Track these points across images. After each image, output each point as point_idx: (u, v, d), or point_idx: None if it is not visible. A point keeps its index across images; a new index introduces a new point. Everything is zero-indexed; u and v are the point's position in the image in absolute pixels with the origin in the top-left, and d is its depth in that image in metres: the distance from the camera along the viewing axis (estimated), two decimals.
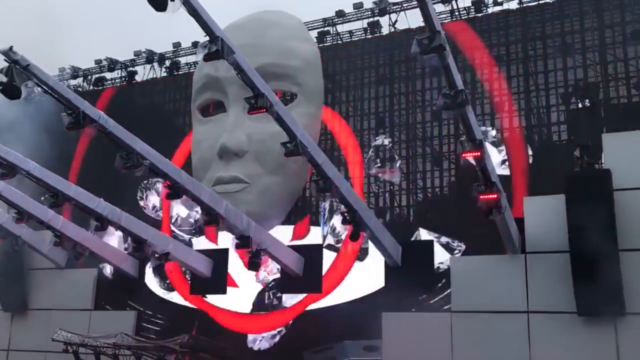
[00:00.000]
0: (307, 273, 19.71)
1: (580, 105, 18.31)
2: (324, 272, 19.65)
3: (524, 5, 19.59)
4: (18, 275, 24.20)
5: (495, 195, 14.64)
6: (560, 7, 19.10)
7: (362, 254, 19.36)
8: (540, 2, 19.37)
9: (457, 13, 20.61)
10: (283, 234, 20.51)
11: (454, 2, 20.48)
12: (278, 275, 20.37)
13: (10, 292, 24.18)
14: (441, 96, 12.61)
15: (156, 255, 18.90)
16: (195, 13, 11.66)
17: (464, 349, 16.81)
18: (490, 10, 20.05)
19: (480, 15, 20.12)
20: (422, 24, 12.82)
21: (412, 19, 20.62)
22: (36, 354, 22.90)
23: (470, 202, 15.35)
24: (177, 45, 25.44)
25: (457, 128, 19.12)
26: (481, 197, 14.70)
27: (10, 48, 12.33)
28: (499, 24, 19.82)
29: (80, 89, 26.78)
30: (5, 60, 12.41)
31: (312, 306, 19.95)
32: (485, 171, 14.48)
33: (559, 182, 16.08)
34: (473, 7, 20.24)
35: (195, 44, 24.03)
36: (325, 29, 22.55)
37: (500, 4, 19.87)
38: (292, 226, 21.14)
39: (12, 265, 24.01)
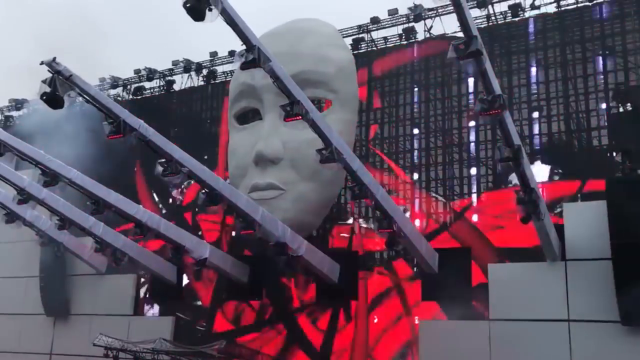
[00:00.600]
0: (342, 279, 19.68)
1: (621, 109, 17.90)
2: None
3: (562, 9, 19.27)
4: (60, 281, 24.78)
5: (534, 202, 14.42)
6: (600, 10, 18.74)
7: None
8: (579, 5, 19.04)
9: (493, 17, 20.40)
10: None
11: (490, 6, 20.27)
12: None
13: (53, 297, 24.73)
14: (478, 101, 12.51)
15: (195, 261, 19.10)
16: (232, 22, 11.81)
17: (502, 357, 16.54)
18: (527, 14, 19.78)
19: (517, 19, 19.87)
20: (458, 30, 12.73)
21: (447, 24, 20.51)
22: (78, 358, 23.40)
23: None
24: (213, 54, 25.78)
25: (494, 133, 18.90)
26: (519, 203, 14.49)
27: (54, 59, 12.66)
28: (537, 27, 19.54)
29: (119, 98, 27.35)
30: (48, 71, 12.74)
31: None
32: (524, 177, 14.28)
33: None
34: (510, 11, 19.99)
35: (231, 53, 24.35)
36: (360, 35, 22.57)
37: (538, 7, 19.61)
38: None
39: (55, 271, 24.60)
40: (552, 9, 19.43)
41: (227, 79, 24.83)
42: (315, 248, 19.33)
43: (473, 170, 19.61)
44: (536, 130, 18.91)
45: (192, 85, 26.44)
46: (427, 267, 18.24)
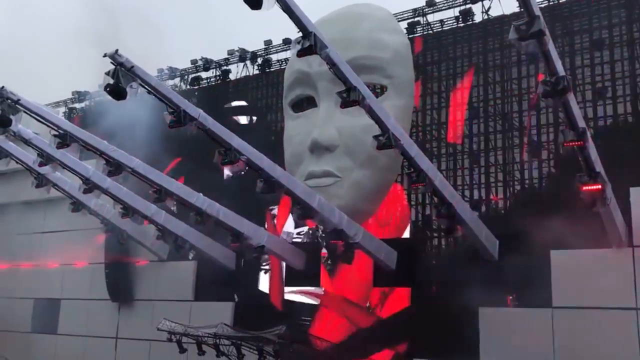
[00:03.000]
0: (400, 266, 19.57)
1: None
2: None
3: None
4: (124, 268, 25.58)
5: (599, 186, 13.96)
6: None
7: None
8: None
9: None
10: None
11: None
12: None
13: (117, 283, 25.59)
14: (541, 83, 12.14)
15: (252, 248, 19.37)
16: (288, 9, 11.82)
17: (566, 346, 16.17)
18: None
19: None
20: (517, 10, 12.36)
21: (506, 5, 19.93)
22: (142, 342, 24.17)
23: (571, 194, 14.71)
24: (268, 42, 25.90)
25: (555, 117, 18.35)
26: (584, 188, 14.05)
27: (116, 51, 13.00)
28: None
29: (176, 89, 27.84)
30: (111, 62, 13.08)
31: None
32: (589, 161, 13.83)
33: None
34: None
35: (285, 41, 24.38)
36: (416, 19, 22.23)
37: None
38: None
39: (119, 258, 25.41)
40: None
41: (282, 67, 24.93)
42: (372, 235, 19.28)
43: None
44: (600, 112, 18.26)
45: (248, 74, 26.68)
46: (487, 254, 17.94)
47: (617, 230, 15.54)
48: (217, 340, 19.79)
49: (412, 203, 21.03)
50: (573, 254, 16.95)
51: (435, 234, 20.41)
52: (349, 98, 13.31)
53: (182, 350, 20.60)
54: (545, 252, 17.21)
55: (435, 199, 16.43)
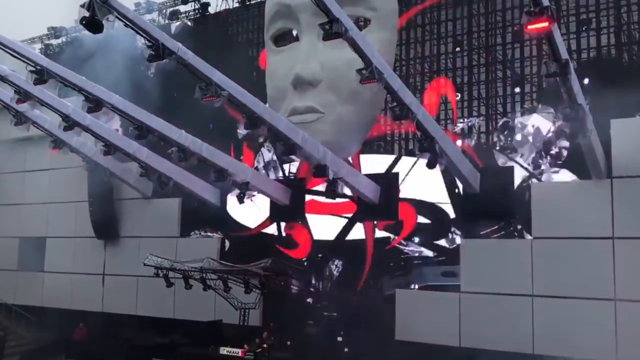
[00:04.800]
0: (383, 200, 19.80)
1: None
2: None
3: None
4: (108, 205, 25.60)
5: (581, 119, 14.05)
6: None
7: None
8: None
9: None
10: None
11: None
12: None
13: (102, 221, 25.63)
14: (525, 14, 11.98)
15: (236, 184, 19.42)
16: None
17: (545, 275, 16.68)
18: None
19: None
20: None
21: None
22: (129, 278, 24.49)
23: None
24: None
25: (539, 50, 18.25)
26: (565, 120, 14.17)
27: None
28: None
29: (154, 23, 27.13)
30: None
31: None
32: (571, 93, 13.85)
33: None
34: None
35: None
36: None
37: None
38: None
39: (103, 196, 25.39)
40: None
41: (263, 0, 24.31)
42: (355, 170, 19.42)
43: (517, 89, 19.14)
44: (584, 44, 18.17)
45: (228, 7, 26.03)
46: (469, 186, 18.20)
47: (597, 161, 15.76)
48: (204, 275, 20.09)
49: (395, 138, 21.10)
50: (553, 186, 17.28)
51: None
52: (332, 30, 13.02)
53: (169, 284, 20.91)
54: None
55: (419, 133, 16.47)
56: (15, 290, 28.20)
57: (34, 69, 16.20)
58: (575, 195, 16.66)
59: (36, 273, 27.87)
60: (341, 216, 21.28)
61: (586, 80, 16.93)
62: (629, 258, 15.59)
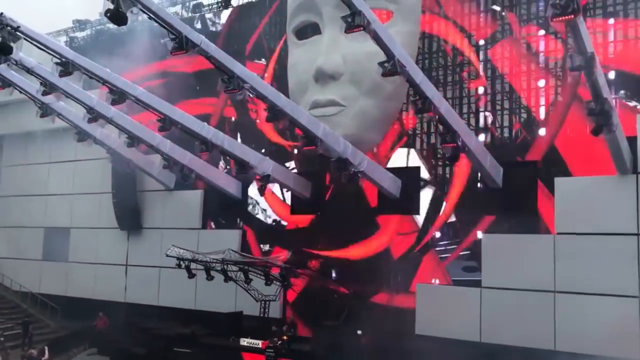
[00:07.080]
0: (404, 195, 19.75)
1: None
2: None
3: None
4: (131, 197, 25.88)
5: (606, 113, 13.83)
6: None
7: None
8: None
9: None
10: None
11: None
12: None
13: (126, 212, 25.94)
14: (550, 6, 11.81)
15: (258, 176, 19.51)
16: None
17: (568, 271, 16.48)
18: None
19: None
20: None
21: None
22: (151, 269, 24.76)
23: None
24: None
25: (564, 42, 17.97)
26: (590, 115, 13.95)
27: None
28: None
29: (178, 16, 27.23)
30: None
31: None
32: (596, 87, 13.65)
33: None
34: None
35: None
36: None
37: None
38: None
39: (126, 187, 25.67)
40: None
41: None
42: (376, 163, 19.36)
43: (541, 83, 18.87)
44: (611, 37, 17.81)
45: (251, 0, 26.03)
46: (492, 181, 18.04)
47: (622, 156, 15.52)
48: (225, 266, 20.22)
49: (417, 131, 20.96)
50: (577, 181, 17.03)
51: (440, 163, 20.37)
52: (354, 22, 13.02)
53: (191, 275, 21.11)
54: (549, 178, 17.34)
55: (441, 127, 16.36)
56: (40, 280, 28.69)
57: (59, 61, 16.42)
58: (599, 190, 16.41)
59: (61, 263, 28.31)
60: None
61: (612, 74, 16.68)
62: None
